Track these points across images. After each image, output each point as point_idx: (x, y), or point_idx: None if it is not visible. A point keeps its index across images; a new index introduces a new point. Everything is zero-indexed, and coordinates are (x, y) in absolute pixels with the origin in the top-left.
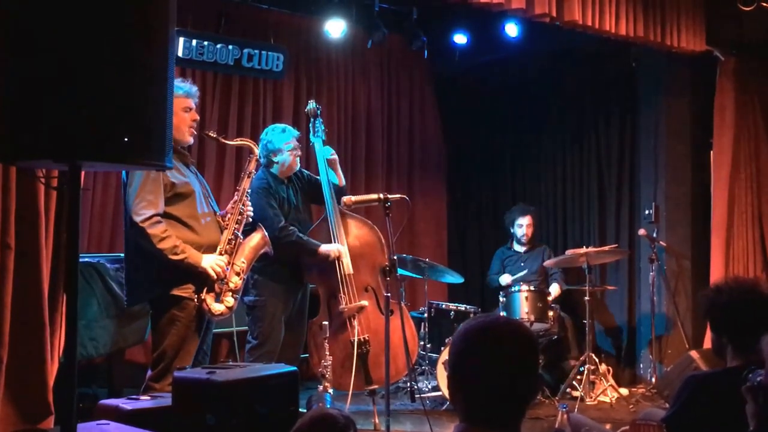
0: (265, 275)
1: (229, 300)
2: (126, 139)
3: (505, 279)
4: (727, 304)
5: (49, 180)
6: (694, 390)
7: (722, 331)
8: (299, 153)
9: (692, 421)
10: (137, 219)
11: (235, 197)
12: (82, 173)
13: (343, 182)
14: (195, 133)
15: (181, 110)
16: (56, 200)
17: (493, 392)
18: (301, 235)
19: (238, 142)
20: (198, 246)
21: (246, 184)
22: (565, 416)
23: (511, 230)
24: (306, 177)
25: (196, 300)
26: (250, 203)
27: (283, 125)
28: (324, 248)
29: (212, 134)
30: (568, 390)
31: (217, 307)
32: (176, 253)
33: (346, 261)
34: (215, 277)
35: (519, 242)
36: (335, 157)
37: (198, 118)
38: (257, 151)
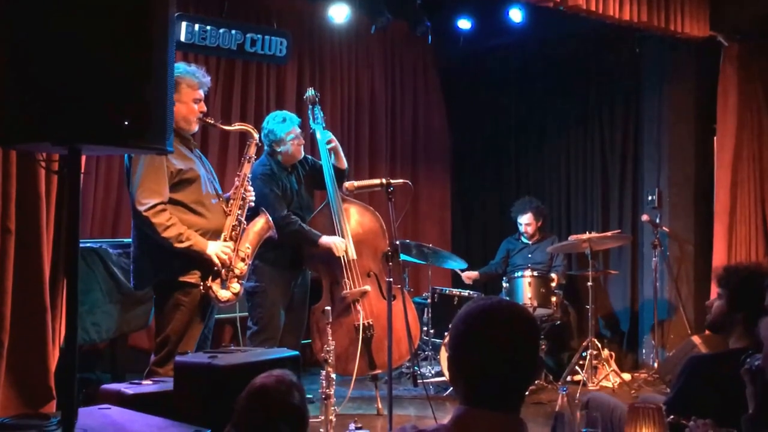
0: (265, 261)
1: (235, 286)
2: (126, 123)
3: (467, 275)
4: (754, 279)
5: (50, 164)
6: (695, 371)
7: (742, 306)
8: (302, 141)
9: (692, 402)
10: (141, 209)
11: (236, 182)
12: (83, 157)
13: (346, 165)
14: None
15: (192, 101)
16: (57, 184)
17: (494, 374)
18: (302, 225)
19: (236, 127)
20: (206, 231)
21: (246, 168)
22: (565, 399)
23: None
24: (310, 162)
25: (202, 287)
26: (251, 188)
27: (283, 113)
28: (325, 240)
29: (210, 120)
30: (571, 375)
31: (224, 294)
32: (181, 241)
33: (350, 247)
34: (219, 265)
35: (524, 235)
36: (335, 142)
37: (206, 109)
38: (256, 135)
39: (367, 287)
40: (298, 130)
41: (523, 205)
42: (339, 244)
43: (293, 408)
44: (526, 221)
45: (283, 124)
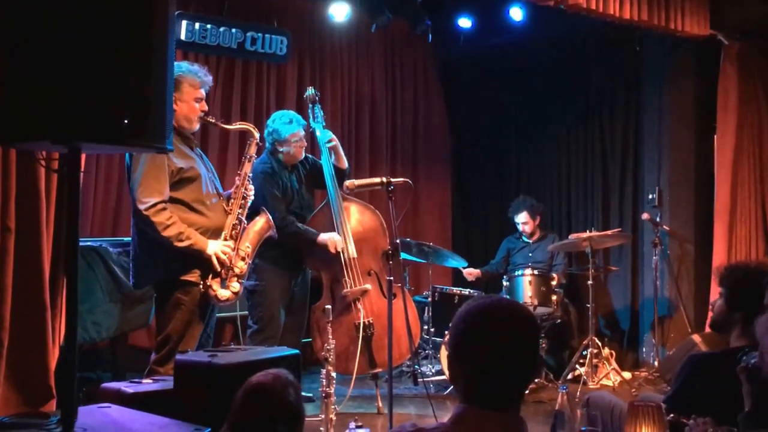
0: (265, 260)
1: (235, 285)
2: (126, 122)
3: (469, 272)
4: (753, 278)
5: (50, 162)
6: (694, 368)
7: (741, 305)
8: (304, 143)
9: (691, 400)
10: (141, 207)
11: (237, 181)
12: (83, 155)
13: (346, 165)
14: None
15: (193, 100)
16: (57, 183)
17: (494, 373)
18: (299, 225)
19: (237, 126)
20: (206, 229)
21: (247, 168)
22: (565, 397)
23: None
24: (310, 161)
25: (201, 286)
26: (251, 186)
27: (290, 114)
28: (322, 238)
29: (211, 119)
30: (571, 373)
31: (223, 293)
32: (181, 240)
33: (350, 245)
34: (218, 265)
35: (524, 234)
36: (335, 141)
37: (207, 108)
38: (257, 134)
39: (368, 286)
40: (303, 133)
41: (517, 205)
42: (336, 239)
43: (290, 406)
44: (522, 220)
45: (289, 126)
